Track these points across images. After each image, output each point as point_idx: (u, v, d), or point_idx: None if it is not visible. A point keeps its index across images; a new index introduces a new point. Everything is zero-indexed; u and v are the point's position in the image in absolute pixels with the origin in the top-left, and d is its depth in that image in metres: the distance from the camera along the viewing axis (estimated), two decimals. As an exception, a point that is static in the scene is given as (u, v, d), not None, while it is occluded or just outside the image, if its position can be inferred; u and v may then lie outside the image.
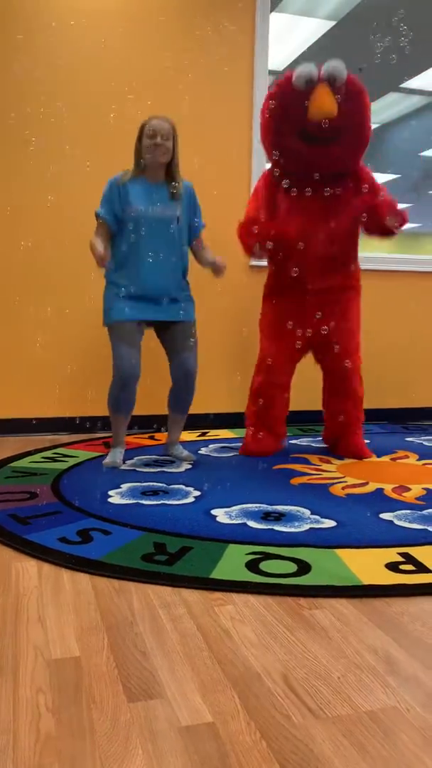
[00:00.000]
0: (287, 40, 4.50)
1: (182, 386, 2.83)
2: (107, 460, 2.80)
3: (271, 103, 2.78)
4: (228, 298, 3.66)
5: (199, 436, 3.45)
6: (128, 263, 2.72)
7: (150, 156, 2.67)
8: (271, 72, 3.70)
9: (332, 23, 4.37)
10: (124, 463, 2.81)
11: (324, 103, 2.66)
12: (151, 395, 3.29)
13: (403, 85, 5.62)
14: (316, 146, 2.75)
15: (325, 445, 3.19)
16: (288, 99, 2.74)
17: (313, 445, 3.26)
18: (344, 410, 3.00)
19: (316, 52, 4.70)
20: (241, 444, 3.11)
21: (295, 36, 4.51)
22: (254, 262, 3.68)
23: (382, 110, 6.14)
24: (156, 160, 2.68)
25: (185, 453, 2.94)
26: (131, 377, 2.71)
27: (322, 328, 2.89)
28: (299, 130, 2.74)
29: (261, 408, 3.00)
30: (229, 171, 3.61)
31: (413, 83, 5.61)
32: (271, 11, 3.65)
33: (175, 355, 2.82)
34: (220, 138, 3.56)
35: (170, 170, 2.73)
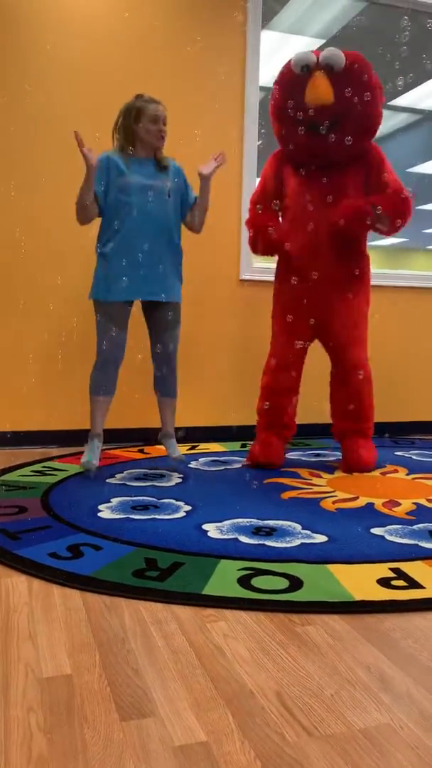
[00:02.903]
0: (278, 57, 4.56)
1: (164, 366, 2.86)
2: (83, 458, 2.78)
3: (274, 89, 2.82)
4: (220, 310, 3.67)
5: (189, 449, 3.44)
6: (121, 234, 2.72)
7: (152, 140, 2.71)
8: (262, 88, 3.73)
9: (322, 41, 4.43)
10: (114, 477, 2.80)
11: (319, 90, 2.67)
12: (141, 408, 3.30)
13: (392, 103, 5.70)
14: (315, 134, 2.75)
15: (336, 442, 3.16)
16: (288, 86, 2.77)
17: (303, 458, 3.27)
18: (347, 405, 2.96)
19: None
20: (234, 457, 3.11)
21: (285, 53, 4.57)
22: (245, 276, 3.70)
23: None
24: (156, 145, 2.73)
25: (177, 453, 2.93)
26: (114, 357, 2.73)
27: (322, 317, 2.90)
28: (300, 117, 2.76)
29: (271, 402, 3.00)
30: (221, 185, 3.62)
31: (401, 101, 5.69)
32: (262, 29, 3.69)
33: (158, 335, 2.85)
34: (211, 152, 3.58)
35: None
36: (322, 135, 2.74)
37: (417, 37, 4.20)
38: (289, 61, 2.78)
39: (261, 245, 2.92)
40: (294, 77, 2.75)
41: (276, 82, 2.84)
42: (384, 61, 4.03)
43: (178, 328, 2.88)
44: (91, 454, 2.78)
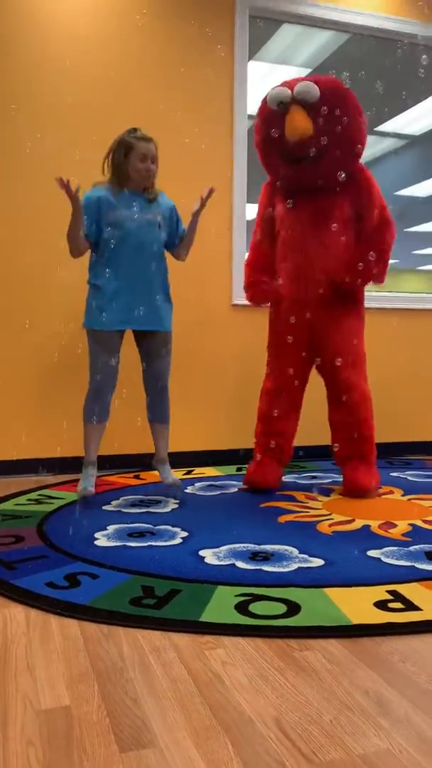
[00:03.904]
0: (266, 86, 4.67)
1: (157, 393, 2.89)
2: (79, 487, 2.80)
3: (256, 124, 2.89)
4: (213, 335, 3.70)
5: (184, 474, 3.45)
6: (112, 267, 2.76)
7: (140, 178, 2.75)
8: (250, 116, 3.80)
9: (308, 70, 4.53)
10: (109, 503, 2.80)
11: (296, 124, 2.71)
12: (136, 434, 3.30)
13: (378, 129, 5.81)
14: (300, 165, 2.80)
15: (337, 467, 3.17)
16: (268, 121, 2.82)
17: (299, 481, 3.27)
18: (344, 427, 2.96)
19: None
20: (230, 481, 3.11)
21: (273, 82, 4.68)
22: (236, 301, 3.74)
23: (358, 152, 6.32)
24: (144, 183, 2.77)
25: (171, 478, 2.94)
26: (108, 384, 2.75)
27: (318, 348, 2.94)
28: (281, 152, 2.81)
29: (266, 426, 3.03)
30: (212, 211, 3.67)
31: (387, 126, 5.80)
32: (249, 60, 3.77)
33: (150, 362, 2.88)
34: (201, 180, 3.63)
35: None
36: (308, 165, 2.79)
37: (400, 66, 4.30)
38: (265, 98, 2.84)
39: (256, 299, 3.04)
40: (272, 112, 2.80)
41: (257, 117, 2.90)
42: (370, 88, 4.12)
43: (170, 356, 2.92)
44: (87, 482, 2.79)
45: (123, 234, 2.74)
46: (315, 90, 2.72)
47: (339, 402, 2.96)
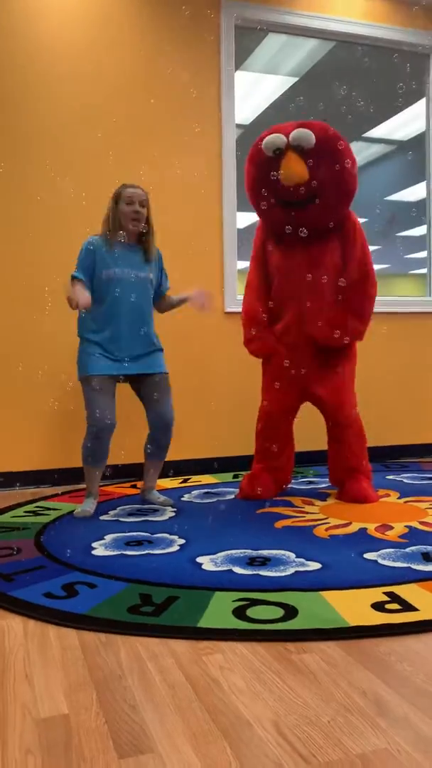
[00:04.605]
0: (253, 95, 4.69)
1: (161, 434, 2.89)
2: (78, 510, 2.81)
3: (248, 167, 2.90)
4: (207, 343, 3.71)
5: (181, 482, 3.45)
6: (105, 322, 2.79)
7: (127, 222, 2.78)
8: (238, 126, 3.83)
9: (295, 79, 4.57)
10: (107, 513, 2.80)
11: (293, 171, 2.74)
12: (132, 444, 3.30)
13: (366, 135, 5.86)
14: (294, 210, 2.81)
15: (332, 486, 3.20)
16: (261, 166, 2.83)
17: (296, 487, 3.28)
18: (344, 456, 2.99)
19: (282, 105, 4.90)
20: (226, 488, 3.12)
21: (260, 91, 4.70)
22: (230, 309, 3.76)
23: (347, 158, 6.37)
24: (133, 228, 2.79)
25: (162, 498, 2.97)
26: (106, 429, 2.75)
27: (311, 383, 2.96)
28: (276, 196, 2.83)
29: (262, 449, 3.06)
30: (202, 220, 3.70)
31: (375, 132, 5.85)
32: (236, 70, 3.80)
33: (152, 405, 2.87)
34: (191, 191, 3.66)
35: (144, 235, 2.83)
36: (300, 209, 2.81)
37: (387, 72, 4.34)
38: (260, 143, 2.84)
39: (259, 353, 3.06)
40: (266, 157, 2.82)
41: (248, 161, 2.90)
42: (357, 94, 4.16)
43: (170, 396, 2.91)
44: (86, 505, 2.83)
45: (116, 291, 2.76)
46: (311, 136, 2.74)
47: (338, 438, 2.99)
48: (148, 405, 2.88)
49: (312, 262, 2.89)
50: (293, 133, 2.75)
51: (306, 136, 2.74)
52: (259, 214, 3.00)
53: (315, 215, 2.82)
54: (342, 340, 2.89)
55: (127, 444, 3.44)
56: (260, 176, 2.85)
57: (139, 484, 3.41)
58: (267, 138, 2.80)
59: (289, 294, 2.94)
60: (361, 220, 3.04)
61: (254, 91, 4.49)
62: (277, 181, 2.78)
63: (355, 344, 3.03)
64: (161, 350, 2.94)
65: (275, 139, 2.78)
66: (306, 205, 2.79)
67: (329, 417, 2.98)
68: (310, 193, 2.77)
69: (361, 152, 6.50)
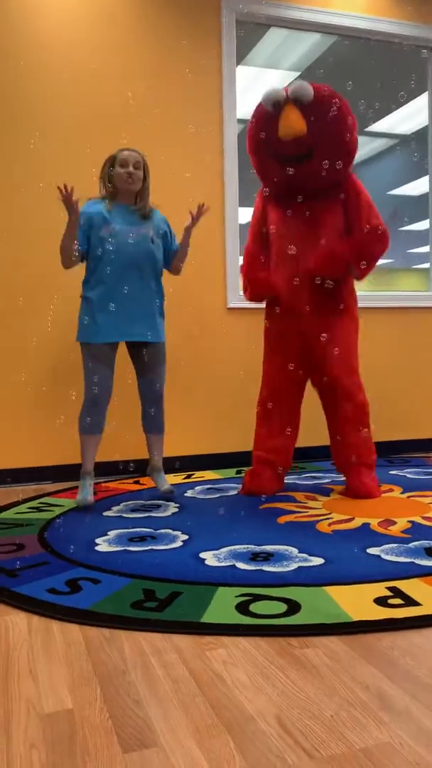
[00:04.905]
0: (254, 90, 4.69)
1: (152, 405, 2.92)
2: (78, 497, 2.83)
3: (249, 127, 2.90)
4: (209, 339, 3.71)
5: (185, 478, 3.46)
6: (105, 281, 2.78)
7: (122, 184, 2.81)
8: (240, 121, 3.83)
9: (297, 74, 4.56)
10: (110, 509, 2.81)
11: (291, 123, 2.73)
12: (135, 439, 3.30)
13: (369, 129, 5.84)
14: (292, 166, 2.81)
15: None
16: (262, 123, 2.84)
17: (298, 482, 3.28)
18: (346, 438, 2.95)
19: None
20: (229, 484, 3.12)
21: (262, 86, 4.71)
22: (232, 304, 3.76)
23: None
24: (128, 188, 2.82)
25: (166, 485, 2.96)
26: (102, 397, 2.78)
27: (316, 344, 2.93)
28: (274, 152, 2.83)
29: (262, 433, 3.04)
30: (205, 216, 3.69)
31: (378, 126, 5.83)
32: (237, 64, 3.79)
33: (145, 374, 2.91)
34: (193, 185, 3.66)
35: (140, 195, 2.86)
36: (300, 166, 2.80)
37: (388, 67, 4.32)
38: (261, 99, 2.86)
39: (252, 293, 3.03)
40: (267, 114, 2.82)
41: (251, 120, 2.92)
42: (359, 89, 4.14)
43: (164, 366, 2.95)
44: (85, 492, 2.83)
45: (115, 248, 2.76)
46: (309, 90, 2.74)
47: (340, 413, 2.93)
48: (141, 373, 2.91)
49: (314, 225, 2.88)
50: (292, 87, 2.77)
51: (305, 88, 2.74)
52: (259, 175, 2.99)
53: (314, 172, 2.81)
54: (340, 267, 2.82)
55: (128, 440, 3.44)
56: (260, 133, 2.85)
57: (143, 480, 3.42)
58: (266, 92, 2.81)
59: (287, 254, 2.91)
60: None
61: (256, 85, 4.47)
62: (276, 138, 2.77)
63: (356, 307, 2.99)
64: (162, 315, 2.94)
65: (274, 92, 2.78)
66: (303, 160, 2.79)
67: (332, 390, 2.90)
68: (308, 147, 2.76)
69: (365, 146, 6.49)
